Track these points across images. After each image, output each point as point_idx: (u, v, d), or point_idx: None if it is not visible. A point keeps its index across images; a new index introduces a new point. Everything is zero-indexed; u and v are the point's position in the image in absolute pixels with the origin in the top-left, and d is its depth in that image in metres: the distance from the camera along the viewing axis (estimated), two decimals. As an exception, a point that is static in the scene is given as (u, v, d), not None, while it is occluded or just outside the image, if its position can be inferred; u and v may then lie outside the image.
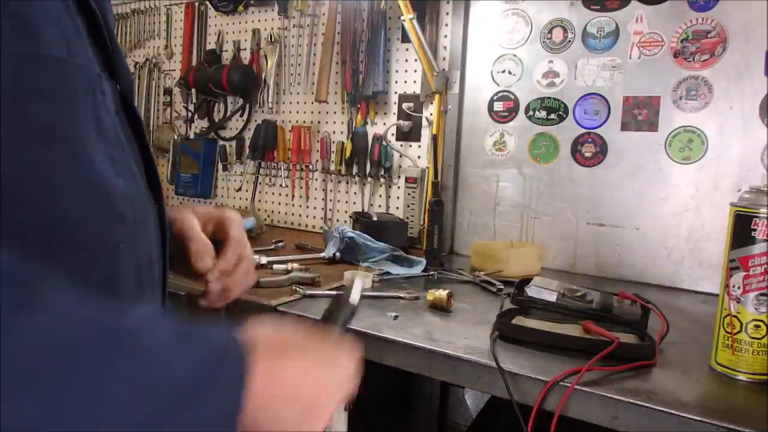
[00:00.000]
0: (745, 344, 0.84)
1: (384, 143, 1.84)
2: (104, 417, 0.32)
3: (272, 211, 2.18)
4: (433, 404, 1.80)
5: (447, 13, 1.77)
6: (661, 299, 1.22)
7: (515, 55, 1.68)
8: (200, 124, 2.30)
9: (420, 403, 1.76)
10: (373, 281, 1.33)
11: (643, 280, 1.51)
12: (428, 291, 1.18)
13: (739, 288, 0.84)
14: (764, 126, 1.36)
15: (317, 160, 2.04)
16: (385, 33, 1.84)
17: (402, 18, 1.67)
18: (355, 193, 1.97)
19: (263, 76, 2.09)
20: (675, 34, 1.46)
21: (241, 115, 2.21)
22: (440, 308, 1.15)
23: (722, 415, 0.73)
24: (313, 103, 2.01)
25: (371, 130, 1.91)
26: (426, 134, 1.81)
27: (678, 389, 0.81)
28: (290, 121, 2.11)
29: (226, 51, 2.23)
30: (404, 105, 1.84)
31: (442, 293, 1.15)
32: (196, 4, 2.30)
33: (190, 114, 2.28)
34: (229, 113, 2.23)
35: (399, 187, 1.88)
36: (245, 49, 2.18)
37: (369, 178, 1.91)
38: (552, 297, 1.10)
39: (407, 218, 1.80)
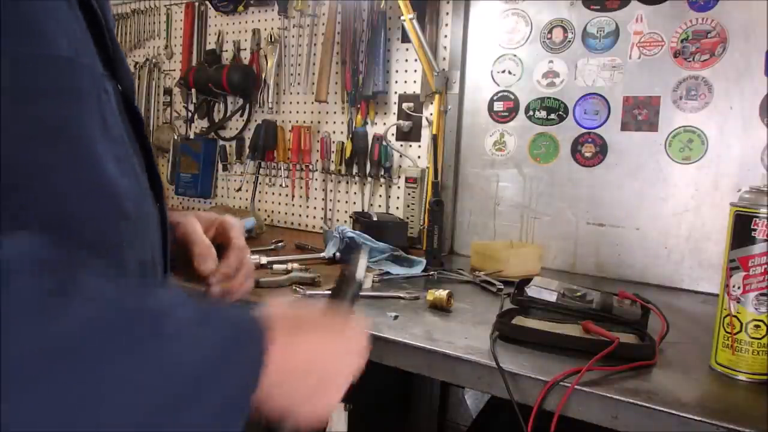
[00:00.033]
0: (745, 344, 0.84)
1: (384, 143, 1.84)
2: (133, 392, 0.34)
3: (272, 211, 2.18)
4: (433, 404, 1.80)
5: (447, 13, 1.77)
6: (661, 299, 1.22)
7: (515, 55, 1.68)
8: (200, 124, 2.31)
9: (420, 403, 1.76)
10: (373, 281, 1.33)
11: (643, 280, 1.51)
12: (428, 291, 1.18)
13: (739, 288, 0.84)
14: (764, 126, 1.36)
15: (317, 160, 2.04)
16: (385, 33, 1.84)
17: (402, 18, 1.67)
18: (355, 193, 1.97)
19: (263, 76, 2.09)
20: (675, 34, 1.46)
21: (241, 115, 2.21)
22: (440, 308, 1.15)
23: (722, 415, 0.72)
24: (313, 103, 2.01)
25: (371, 130, 1.91)
26: (426, 134, 1.81)
27: (678, 389, 0.81)
28: (290, 121, 2.11)
29: (226, 51, 2.23)
30: (404, 105, 1.85)
31: (442, 293, 1.15)
32: (196, 4, 2.30)
33: (190, 114, 2.28)
34: (229, 113, 2.23)
35: (399, 187, 1.88)
36: (245, 49, 2.18)
37: (369, 178, 1.91)
38: (552, 297, 1.10)
39: (407, 218, 1.80)
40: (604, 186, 1.57)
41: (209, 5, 2.22)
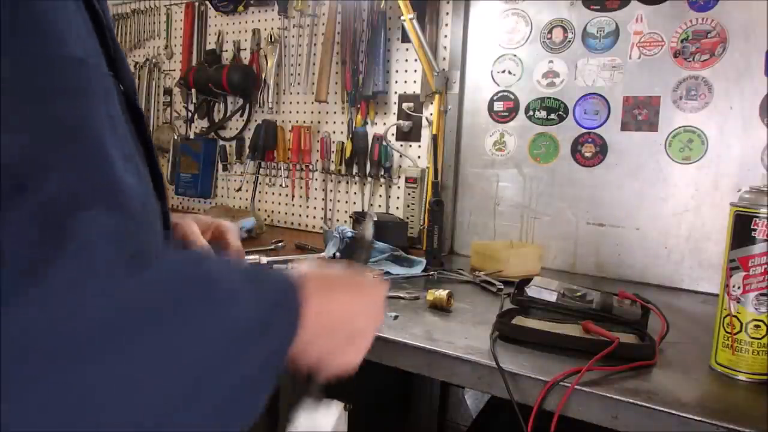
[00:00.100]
0: (745, 344, 0.84)
1: (384, 143, 1.84)
2: (197, 347, 0.39)
3: (272, 211, 2.18)
4: (433, 404, 1.80)
5: (447, 13, 1.77)
6: (661, 299, 1.22)
7: (515, 55, 1.68)
8: (200, 124, 2.31)
9: (420, 403, 1.76)
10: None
11: (643, 280, 1.51)
12: (428, 291, 1.18)
13: (739, 288, 0.84)
14: (764, 126, 1.36)
15: (317, 160, 2.04)
16: (385, 33, 1.84)
17: (402, 18, 1.67)
18: (355, 193, 1.97)
19: (263, 76, 2.09)
20: (675, 34, 1.46)
21: (241, 115, 2.21)
22: (440, 308, 1.15)
23: (722, 415, 0.72)
24: (313, 103, 2.01)
25: (371, 130, 1.91)
26: (426, 134, 1.81)
27: (678, 389, 0.81)
28: (290, 121, 2.11)
29: (226, 51, 2.23)
30: (404, 105, 1.85)
31: (442, 293, 1.15)
32: (196, 4, 2.30)
33: (190, 114, 2.28)
34: (229, 113, 2.23)
35: (399, 187, 1.88)
36: (245, 49, 2.18)
37: (369, 178, 1.91)
38: (552, 297, 1.10)
39: (407, 218, 1.80)
40: (604, 186, 1.57)
41: (209, 5, 2.22)
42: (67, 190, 0.37)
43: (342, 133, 1.99)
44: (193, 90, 2.19)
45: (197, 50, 2.31)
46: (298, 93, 2.07)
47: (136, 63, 2.45)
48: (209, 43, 2.28)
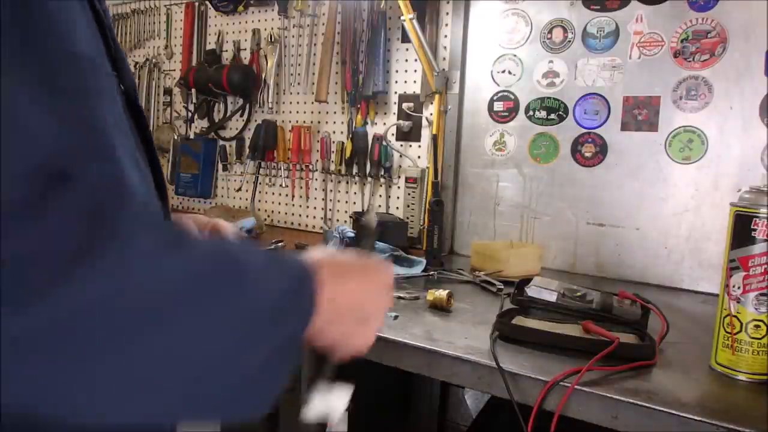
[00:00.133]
0: (745, 344, 0.84)
1: (384, 143, 1.84)
2: (229, 324, 0.42)
3: (272, 211, 2.18)
4: (433, 404, 1.80)
5: (447, 13, 1.77)
6: (661, 299, 1.22)
7: (515, 55, 1.68)
8: (200, 124, 2.31)
9: (420, 403, 1.76)
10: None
11: (643, 280, 1.51)
12: (428, 291, 1.18)
13: (739, 288, 0.84)
14: (764, 126, 1.36)
15: (317, 160, 2.04)
16: (385, 33, 1.84)
17: (402, 18, 1.67)
18: (355, 193, 1.97)
19: (263, 76, 2.09)
20: (675, 34, 1.46)
21: (241, 115, 2.21)
22: (440, 308, 1.15)
23: (722, 415, 0.72)
24: (313, 103, 2.01)
25: (371, 130, 1.91)
26: (426, 134, 1.81)
27: (678, 389, 0.81)
28: (290, 121, 2.11)
29: (226, 51, 2.23)
30: (404, 105, 1.85)
31: (442, 293, 1.15)
32: (196, 4, 2.30)
33: (190, 114, 2.28)
34: (229, 113, 2.23)
35: (399, 187, 1.88)
36: (245, 49, 2.18)
37: (369, 178, 1.91)
38: (552, 297, 1.10)
39: (407, 218, 1.80)
40: (604, 186, 1.57)
41: (209, 5, 2.22)
42: (105, 180, 0.39)
43: (342, 133, 1.99)
44: (193, 90, 2.19)
45: (197, 50, 2.31)
46: (298, 93, 2.07)
47: (136, 63, 2.45)
48: (209, 43, 2.28)
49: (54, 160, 0.36)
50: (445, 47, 1.77)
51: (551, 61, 1.62)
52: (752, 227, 0.82)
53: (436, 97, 1.74)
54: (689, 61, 1.44)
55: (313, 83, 1.98)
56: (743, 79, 1.38)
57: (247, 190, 2.19)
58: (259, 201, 2.20)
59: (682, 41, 1.45)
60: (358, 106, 1.91)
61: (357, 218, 1.73)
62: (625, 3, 1.51)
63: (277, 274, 0.48)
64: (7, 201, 0.33)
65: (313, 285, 0.49)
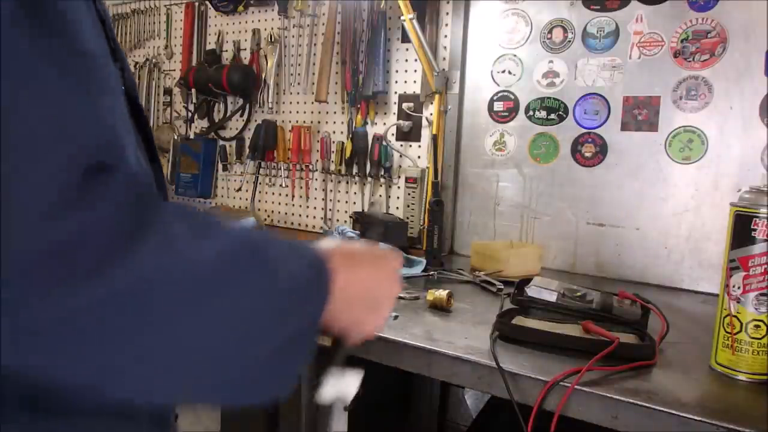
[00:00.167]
0: (745, 344, 0.84)
1: (384, 143, 1.84)
2: (258, 303, 0.45)
3: (272, 211, 2.18)
4: (433, 404, 1.80)
5: (447, 13, 1.77)
6: (661, 299, 1.22)
7: (515, 55, 1.68)
8: (200, 124, 2.31)
9: (420, 403, 1.76)
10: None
11: (643, 280, 1.51)
12: (428, 291, 1.18)
13: (739, 288, 0.84)
14: (764, 126, 1.36)
15: (317, 160, 2.04)
16: (385, 33, 1.84)
17: (402, 18, 1.67)
18: (355, 193, 1.97)
19: (263, 76, 2.09)
20: (675, 34, 1.46)
21: (241, 115, 2.21)
22: (440, 308, 1.15)
23: (722, 415, 0.72)
24: (313, 103, 2.01)
25: (371, 130, 1.91)
26: (426, 134, 1.81)
27: (678, 389, 0.81)
28: (290, 121, 2.11)
29: (226, 51, 2.23)
30: (404, 105, 1.84)
31: (442, 293, 1.15)
32: (196, 4, 2.30)
33: (190, 114, 2.28)
34: (229, 113, 2.23)
35: (399, 187, 1.87)
36: (245, 49, 2.18)
37: (369, 178, 1.91)
38: (552, 297, 1.10)
39: (407, 218, 1.80)
40: (604, 186, 1.57)
41: (209, 5, 2.22)
42: (139, 170, 0.42)
43: (342, 133, 1.99)
44: (193, 90, 2.19)
45: (197, 50, 2.31)
46: (298, 93, 2.07)
47: (136, 63, 2.45)
48: (209, 43, 2.28)
49: (96, 152, 0.38)
50: (445, 47, 1.77)
51: (551, 61, 1.62)
52: (752, 227, 0.82)
53: (436, 97, 1.74)
54: (689, 61, 1.44)
55: (313, 83, 1.98)
56: (743, 79, 1.38)
57: (247, 190, 2.19)
58: (259, 201, 2.20)
59: (682, 41, 1.45)
60: (358, 106, 1.91)
61: (358, 218, 1.73)
62: (625, 3, 1.51)
63: (296, 262, 0.50)
64: (59, 189, 0.35)
65: (327, 274, 0.51)
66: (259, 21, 2.14)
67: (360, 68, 1.88)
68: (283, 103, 2.12)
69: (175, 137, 2.37)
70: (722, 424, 0.71)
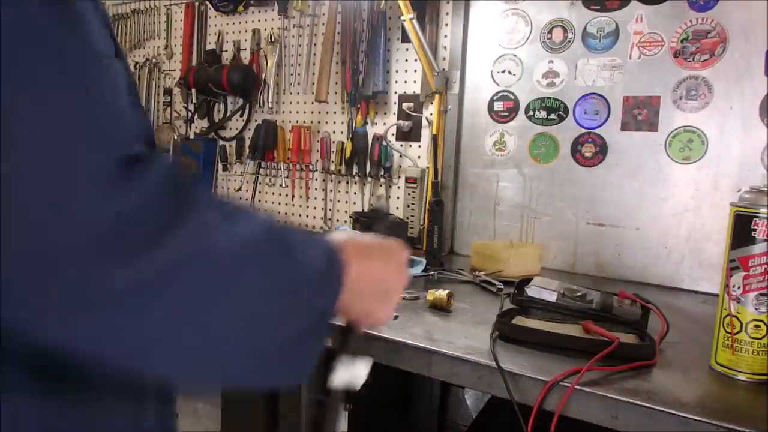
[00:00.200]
0: (745, 344, 0.84)
1: (384, 143, 1.84)
2: (282, 286, 0.48)
3: (272, 211, 2.18)
4: (433, 404, 1.80)
5: (447, 13, 1.77)
6: (661, 299, 1.22)
7: (515, 55, 1.68)
8: (200, 124, 2.31)
9: (420, 403, 1.76)
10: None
11: (643, 280, 1.51)
12: (428, 291, 1.18)
13: (739, 288, 0.84)
14: (764, 126, 1.36)
15: (317, 160, 2.04)
16: (385, 33, 1.84)
17: (402, 18, 1.67)
18: (355, 193, 1.97)
19: (263, 76, 2.09)
20: (675, 34, 1.46)
21: (241, 115, 2.21)
22: (440, 308, 1.15)
23: (722, 415, 0.72)
24: (313, 103, 2.01)
25: (371, 130, 1.91)
26: (426, 134, 1.81)
27: (678, 389, 0.81)
28: (290, 121, 2.11)
29: (226, 51, 2.23)
30: (404, 105, 1.84)
31: (442, 293, 1.15)
32: (196, 4, 2.30)
33: (190, 114, 2.28)
34: (229, 113, 2.23)
35: (399, 187, 1.87)
36: (245, 49, 2.18)
37: (369, 178, 1.91)
38: (552, 297, 1.10)
39: (407, 218, 1.80)
40: (604, 186, 1.57)
41: (209, 5, 2.22)
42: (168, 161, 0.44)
43: (342, 133, 1.99)
44: (193, 90, 2.19)
45: (197, 50, 2.31)
46: (298, 93, 2.07)
47: (136, 63, 2.45)
48: (209, 43, 2.28)
49: (133, 144, 0.42)
50: (445, 47, 1.77)
51: (551, 61, 1.62)
52: (752, 227, 0.82)
53: (436, 97, 1.74)
54: (689, 61, 1.44)
55: (313, 83, 1.98)
56: (743, 79, 1.38)
57: (247, 190, 2.19)
58: (259, 201, 2.20)
59: (682, 41, 1.45)
60: (358, 106, 1.91)
61: (358, 218, 1.73)
62: (625, 3, 1.51)
63: (313, 252, 0.52)
64: (107, 175, 0.38)
65: (341, 265, 0.54)
66: (259, 21, 2.14)
67: (360, 68, 1.88)
68: (283, 103, 2.12)
69: (175, 137, 2.37)
70: (722, 424, 0.71)
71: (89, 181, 0.37)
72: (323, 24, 1.96)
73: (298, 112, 2.09)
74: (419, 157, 1.83)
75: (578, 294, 1.10)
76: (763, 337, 0.83)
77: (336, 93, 1.98)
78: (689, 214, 1.46)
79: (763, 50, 1.34)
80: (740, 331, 0.84)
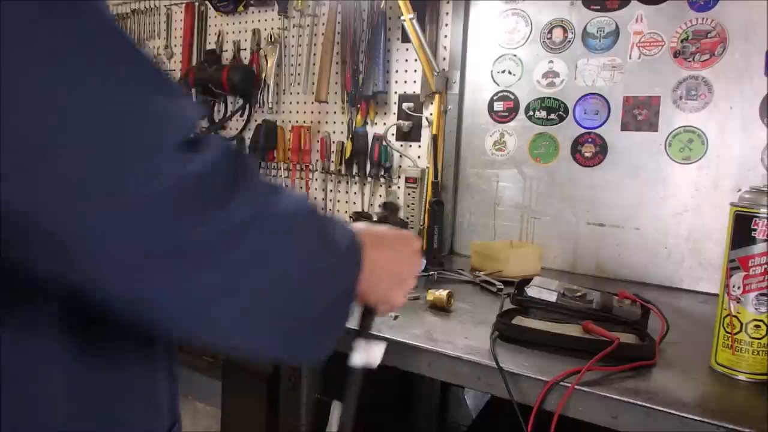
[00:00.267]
0: (745, 344, 0.84)
1: (384, 143, 1.84)
2: (324, 255, 0.53)
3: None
4: (433, 404, 1.80)
5: (447, 13, 1.77)
6: (661, 299, 1.22)
7: (515, 55, 1.68)
8: (200, 124, 2.30)
9: (420, 403, 1.76)
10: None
11: (643, 280, 1.51)
12: (428, 291, 1.18)
13: (739, 288, 0.84)
14: (764, 126, 1.36)
15: (317, 160, 2.04)
16: (385, 33, 1.84)
17: (402, 18, 1.67)
18: (355, 193, 1.97)
19: (263, 76, 2.09)
20: (675, 34, 1.46)
21: (241, 115, 2.20)
22: (440, 308, 1.15)
23: (722, 415, 0.72)
24: (313, 103, 2.01)
25: (371, 130, 1.91)
26: (426, 134, 1.81)
27: (678, 389, 0.81)
28: (290, 121, 2.11)
29: (226, 51, 2.23)
30: (404, 105, 1.84)
31: (442, 293, 1.15)
32: (196, 4, 2.30)
33: (190, 114, 2.28)
34: (229, 113, 2.22)
35: (399, 187, 1.87)
36: (245, 49, 2.18)
37: (369, 178, 1.91)
38: (552, 297, 1.10)
39: (407, 218, 1.80)
40: (604, 186, 1.57)
41: (209, 5, 2.22)
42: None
43: (342, 133, 1.99)
44: (193, 90, 2.19)
45: (197, 50, 2.31)
46: (298, 93, 2.07)
47: (136, 63, 2.45)
48: (209, 43, 2.28)
49: (191, 125, 0.46)
50: (445, 47, 1.77)
51: (551, 61, 1.62)
52: (752, 227, 0.82)
53: (436, 97, 1.73)
54: (689, 61, 1.44)
55: (313, 83, 1.98)
56: (743, 79, 1.38)
57: (247, 190, 2.19)
58: (259, 201, 2.20)
59: (682, 41, 1.45)
60: (358, 106, 1.91)
61: (358, 218, 1.73)
62: (625, 3, 1.51)
63: (339, 231, 0.56)
64: (182, 143, 0.43)
65: (361, 246, 0.57)
66: (259, 21, 2.14)
67: (360, 68, 1.88)
68: (283, 103, 2.12)
69: (175, 137, 2.37)
70: (722, 424, 0.71)
71: (169, 148, 0.42)
72: (323, 24, 1.96)
73: (298, 112, 2.09)
74: (419, 157, 1.83)
75: (578, 294, 1.10)
76: (763, 337, 0.83)
77: (336, 93, 1.98)
78: (689, 214, 1.46)
79: (763, 50, 1.34)
80: (740, 331, 0.84)
